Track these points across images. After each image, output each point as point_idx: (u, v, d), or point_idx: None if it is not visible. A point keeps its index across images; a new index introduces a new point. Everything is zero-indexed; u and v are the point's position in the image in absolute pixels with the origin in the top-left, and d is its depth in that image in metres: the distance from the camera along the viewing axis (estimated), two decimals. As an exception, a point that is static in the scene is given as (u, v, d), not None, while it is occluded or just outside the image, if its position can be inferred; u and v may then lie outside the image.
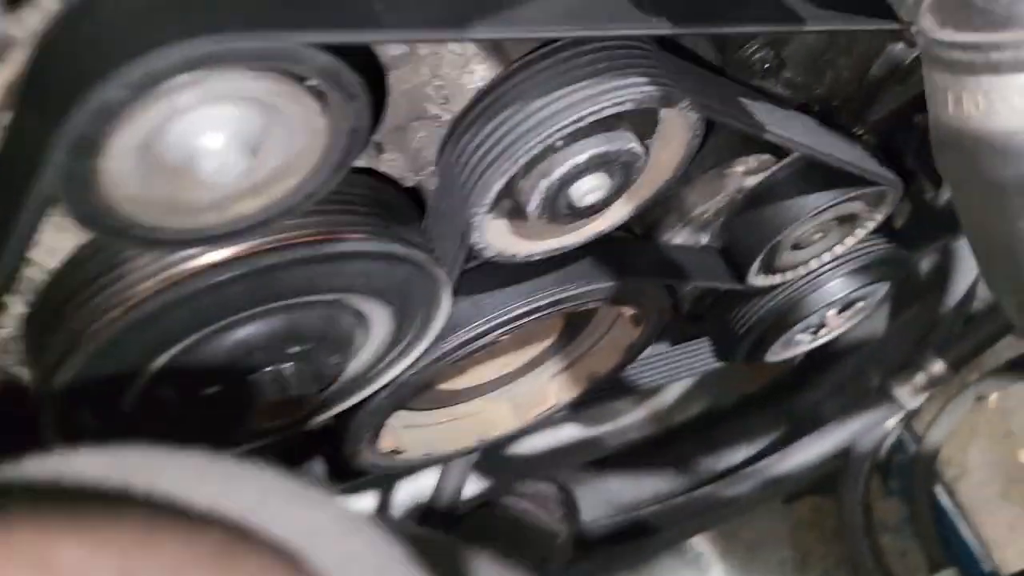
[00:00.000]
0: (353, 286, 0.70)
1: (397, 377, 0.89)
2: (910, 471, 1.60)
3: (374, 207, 0.71)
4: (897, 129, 1.16)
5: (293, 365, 0.73)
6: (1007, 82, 0.44)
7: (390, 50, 0.71)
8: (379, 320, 0.78)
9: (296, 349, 0.73)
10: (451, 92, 0.76)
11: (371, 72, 0.68)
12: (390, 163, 0.83)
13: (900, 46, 0.98)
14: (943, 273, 1.43)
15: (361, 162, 0.77)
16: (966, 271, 1.38)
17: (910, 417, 1.51)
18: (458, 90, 0.75)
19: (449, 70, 0.76)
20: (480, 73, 0.73)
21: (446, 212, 0.75)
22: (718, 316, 1.30)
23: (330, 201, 0.68)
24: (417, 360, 0.88)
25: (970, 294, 1.40)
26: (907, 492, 1.76)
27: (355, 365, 0.83)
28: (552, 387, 1.19)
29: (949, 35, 0.46)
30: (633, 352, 1.14)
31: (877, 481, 1.67)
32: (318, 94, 0.53)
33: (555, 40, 0.67)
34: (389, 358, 0.85)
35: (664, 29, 0.62)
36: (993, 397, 1.76)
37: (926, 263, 1.47)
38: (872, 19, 0.73)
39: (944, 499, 1.86)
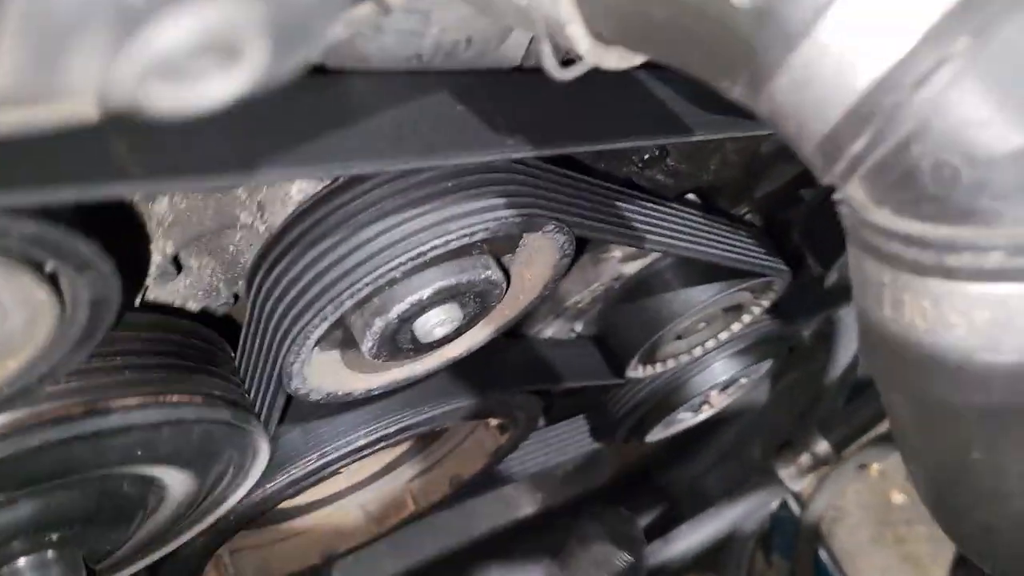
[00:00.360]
0: (129, 459, 0.54)
1: (214, 524, 0.74)
2: (793, 537, 1.53)
3: (160, 354, 0.56)
4: (782, 205, 1.07)
5: (55, 552, 0.57)
6: (965, 292, 0.33)
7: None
8: (176, 481, 0.62)
9: (58, 535, 0.56)
10: (267, 199, 0.61)
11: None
12: (198, 272, 0.67)
13: (789, 125, 0.89)
14: (825, 342, 1.36)
15: (148, 284, 0.62)
16: (849, 342, 1.32)
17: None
18: (276, 198, 0.60)
19: (263, 172, 0.61)
20: (299, 184, 0.58)
21: (258, 352, 0.60)
22: (595, 395, 1.19)
23: (96, 355, 0.52)
24: (236, 504, 0.73)
25: (853, 365, 1.34)
26: (788, 552, 1.70)
27: (151, 525, 0.67)
28: (410, 492, 1.05)
29: (888, 220, 0.34)
30: (500, 455, 1.01)
31: (759, 555, 1.60)
32: (32, 264, 0.38)
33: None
34: (196, 513, 0.69)
35: (525, 151, 0.49)
36: (875, 466, 1.73)
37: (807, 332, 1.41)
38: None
39: (824, 555, 1.82)
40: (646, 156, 0.75)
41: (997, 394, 0.34)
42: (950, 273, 0.33)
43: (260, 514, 0.77)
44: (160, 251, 0.61)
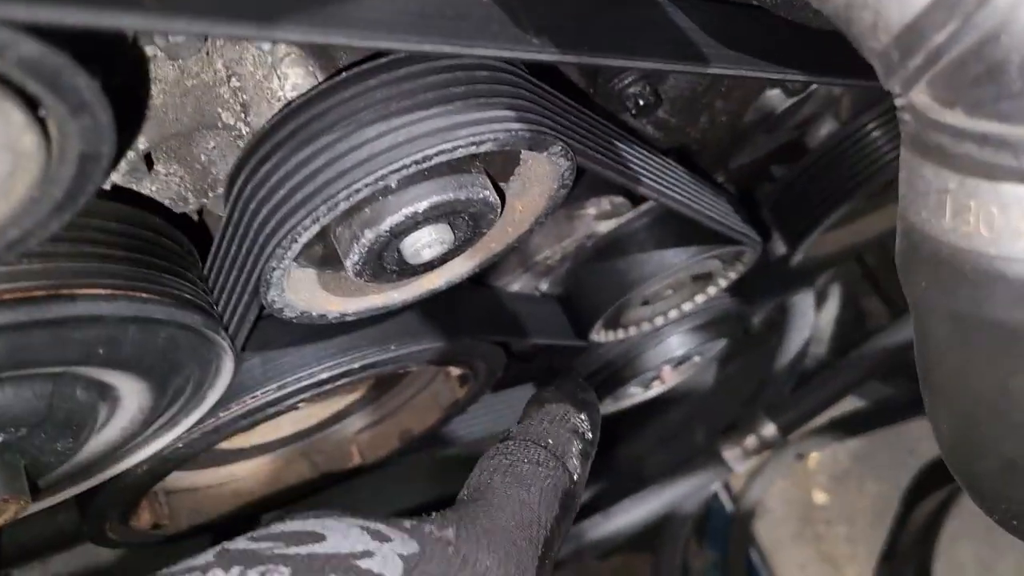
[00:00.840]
0: (90, 357, 0.50)
1: (160, 451, 0.69)
2: (727, 528, 1.54)
3: (129, 248, 0.51)
4: (755, 180, 1.07)
5: (-6, 458, 0.52)
6: (1041, 199, 0.32)
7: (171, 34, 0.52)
8: (131, 392, 0.58)
9: (1, 437, 0.52)
10: (252, 99, 0.57)
11: (128, 63, 0.48)
12: (166, 180, 0.63)
13: (776, 92, 0.89)
14: (775, 329, 1.37)
15: (117, 180, 0.57)
16: (802, 328, 1.33)
17: (730, 472, 1.44)
18: (262, 97, 0.57)
19: (252, 70, 0.57)
20: (293, 80, 0.55)
21: (235, 258, 0.56)
22: (548, 362, 1.17)
23: (61, 239, 0.48)
24: (188, 431, 0.68)
25: (803, 352, 1.34)
26: (718, 543, 1.71)
27: (98, 443, 0.62)
28: (357, 444, 1.01)
29: (960, 120, 0.33)
30: (455, 410, 0.98)
31: (693, 538, 1.60)
32: (25, 99, 0.33)
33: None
34: (147, 433, 0.64)
35: (549, 54, 0.46)
36: (813, 456, 1.75)
37: (760, 317, 1.42)
38: (777, 66, 0.61)
39: (754, 553, 1.84)
40: (641, 103, 0.73)
41: (1057, 311, 0.33)
42: (1030, 178, 0.32)
43: (210, 446, 0.73)
44: (132, 146, 0.57)
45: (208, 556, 0.43)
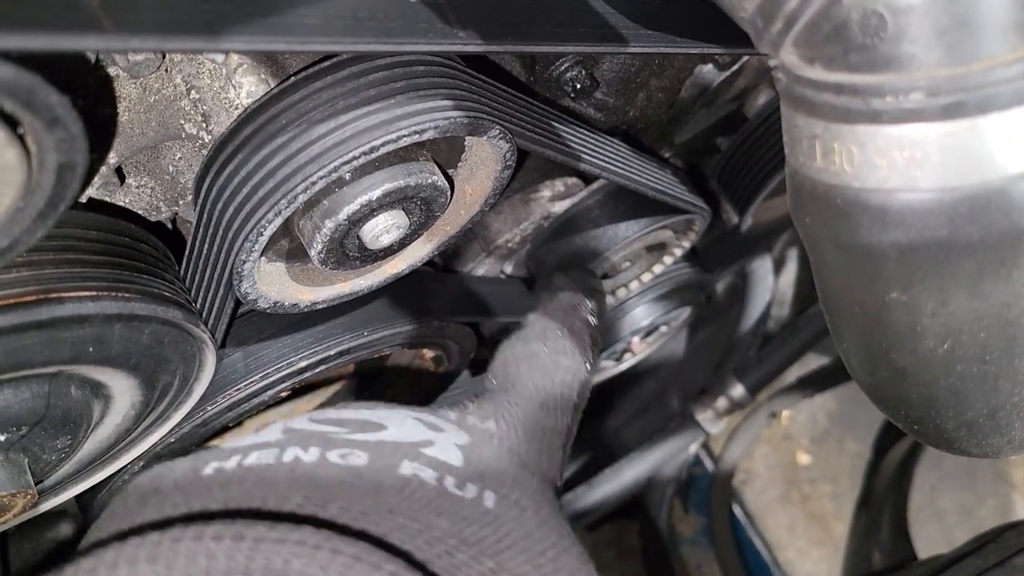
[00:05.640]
0: (81, 356, 0.54)
1: (153, 448, 0.74)
2: (708, 489, 1.59)
3: (109, 254, 0.56)
4: (701, 152, 1.12)
5: (1, 455, 0.57)
6: (888, 133, 0.37)
7: (130, 54, 0.56)
8: (122, 389, 0.62)
9: (4, 437, 0.56)
10: (212, 109, 0.62)
11: (93, 84, 0.53)
12: (137, 192, 0.68)
13: (708, 67, 0.94)
14: (739, 295, 1.43)
15: (92, 194, 0.62)
16: (762, 292, 1.38)
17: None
18: (220, 107, 0.61)
19: (209, 82, 0.62)
20: (248, 88, 0.59)
21: (208, 256, 0.61)
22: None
23: (46, 249, 0.52)
24: (178, 426, 0.73)
25: (765, 315, 1.40)
26: (705, 507, 1.76)
27: (93, 442, 0.67)
28: (343, 434, 1.06)
29: (818, 74, 0.38)
30: (434, 393, 1.03)
31: (677, 501, 1.66)
32: (4, 119, 0.38)
33: (341, 52, 0.55)
34: (140, 429, 0.69)
35: (475, 46, 0.51)
36: (784, 414, 1.81)
37: (721, 285, 1.47)
38: (695, 41, 0.66)
39: (737, 509, 1.90)
40: (578, 86, 0.78)
41: (914, 230, 0.38)
42: (875, 117, 0.37)
43: (201, 440, 0.78)
44: (104, 161, 0.62)
45: (275, 434, 0.44)
